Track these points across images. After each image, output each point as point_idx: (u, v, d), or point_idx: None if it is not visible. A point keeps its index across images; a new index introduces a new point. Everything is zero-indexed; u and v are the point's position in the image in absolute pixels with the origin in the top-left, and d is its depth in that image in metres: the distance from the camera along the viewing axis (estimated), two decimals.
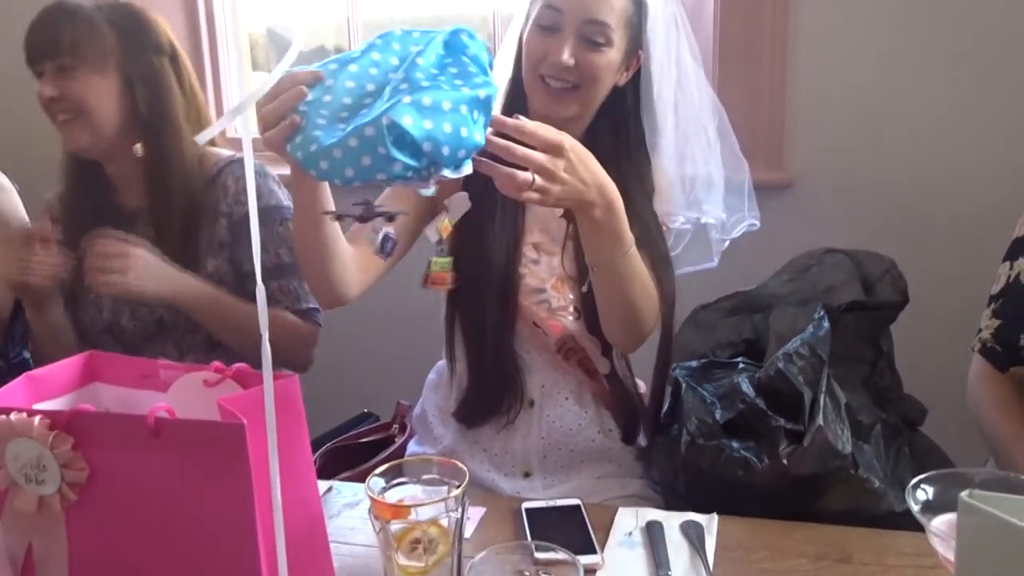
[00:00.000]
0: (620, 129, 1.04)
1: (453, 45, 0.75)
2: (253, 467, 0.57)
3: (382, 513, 0.65)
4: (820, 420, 0.88)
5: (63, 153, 1.19)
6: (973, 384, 1.06)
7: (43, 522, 0.62)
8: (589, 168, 0.83)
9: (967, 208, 1.56)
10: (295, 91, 0.72)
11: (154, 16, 1.18)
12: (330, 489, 0.92)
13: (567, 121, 0.97)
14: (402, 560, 0.65)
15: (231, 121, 0.47)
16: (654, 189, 1.05)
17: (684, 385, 1.01)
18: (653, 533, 0.81)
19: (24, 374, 0.68)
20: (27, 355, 1.32)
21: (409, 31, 0.77)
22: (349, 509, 0.89)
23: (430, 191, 0.73)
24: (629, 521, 0.84)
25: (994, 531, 0.51)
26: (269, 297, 1.31)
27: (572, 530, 0.82)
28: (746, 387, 0.95)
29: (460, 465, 0.69)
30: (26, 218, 1.30)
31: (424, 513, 0.65)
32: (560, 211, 1.04)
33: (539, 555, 0.63)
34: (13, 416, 0.61)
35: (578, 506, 0.86)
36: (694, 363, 1.07)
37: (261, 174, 1.19)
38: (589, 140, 0.88)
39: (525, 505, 0.87)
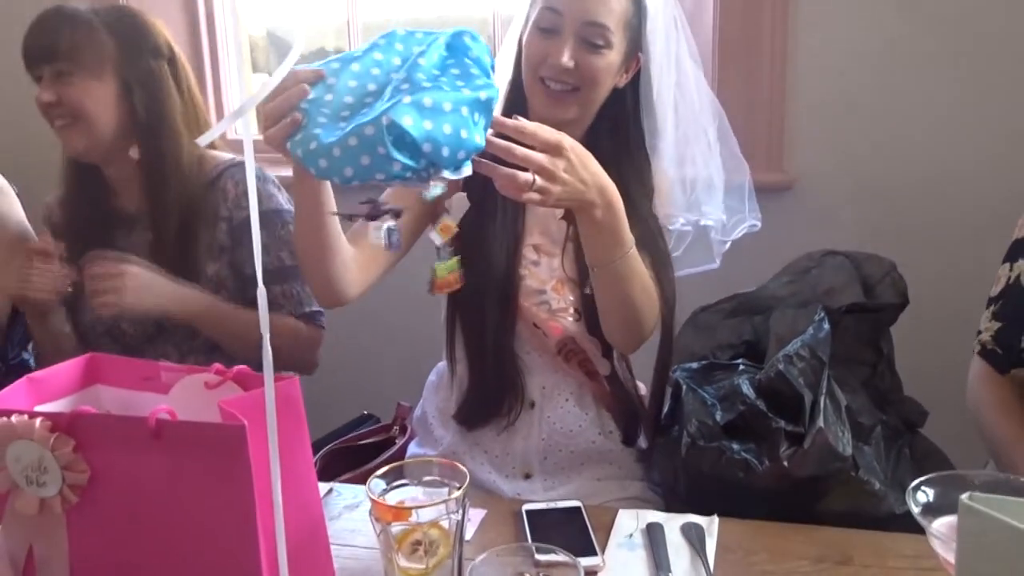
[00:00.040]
0: (620, 130, 1.04)
1: (456, 46, 0.75)
2: (254, 469, 0.57)
3: (383, 515, 0.65)
4: (820, 422, 0.88)
5: (63, 156, 1.19)
6: (973, 386, 1.06)
7: (44, 524, 0.62)
8: (589, 168, 0.83)
9: (967, 210, 1.56)
10: (297, 89, 0.72)
11: (152, 19, 1.18)
12: (331, 491, 0.92)
13: (567, 123, 0.97)
14: (403, 562, 0.65)
15: (232, 124, 0.47)
16: (654, 190, 1.05)
17: (684, 387, 1.01)
18: (654, 535, 0.81)
19: (25, 376, 0.68)
20: (26, 356, 1.32)
21: (412, 31, 0.77)
22: (350, 511, 0.89)
23: (439, 189, 0.73)
24: (630, 523, 0.84)
25: (995, 533, 0.51)
26: (272, 301, 1.32)
27: (573, 532, 0.82)
28: (746, 389, 0.95)
29: (461, 467, 0.69)
30: (25, 221, 1.30)
31: (425, 515, 0.65)
32: (560, 212, 1.04)
33: (540, 557, 0.63)
34: (14, 418, 0.61)
35: (578, 508, 0.86)
36: (694, 365, 1.07)
37: (261, 178, 1.18)
38: (589, 142, 0.88)
39: (526, 507, 0.87)
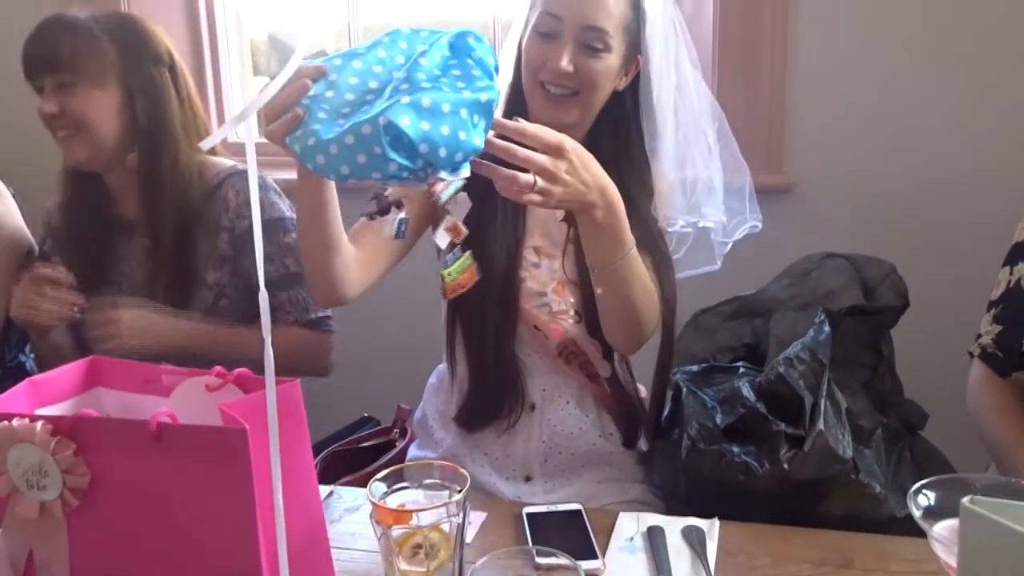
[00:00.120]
0: (620, 133, 1.04)
1: (459, 47, 0.74)
2: (255, 472, 0.57)
3: (383, 518, 0.65)
4: (821, 425, 0.88)
5: (63, 163, 1.19)
6: (973, 390, 1.06)
7: (44, 528, 0.62)
8: (590, 170, 0.83)
9: (967, 212, 1.56)
10: (299, 85, 0.72)
11: (153, 26, 1.18)
12: (331, 494, 0.92)
13: (567, 127, 0.97)
14: (403, 565, 0.65)
15: (234, 128, 0.47)
16: (653, 192, 1.06)
17: (685, 389, 1.01)
18: (654, 538, 0.81)
19: (26, 379, 0.68)
20: (23, 359, 1.32)
21: (417, 30, 0.77)
22: (350, 514, 0.89)
23: (452, 190, 0.73)
24: (630, 526, 0.84)
25: (996, 537, 0.51)
26: (278, 307, 1.32)
27: (573, 535, 0.82)
28: (747, 391, 0.95)
29: (461, 470, 0.69)
30: (23, 226, 1.30)
31: (425, 518, 0.65)
32: (561, 214, 1.04)
33: (540, 560, 0.63)
34: (15, 422, 0.61)
35: (579, 511, 0.86)
36: (694, 367, 1.07)
37: (262, 187, 1.18)
38: (590, 144, 0.88)
39: (526, 510, 0.87)
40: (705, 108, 1.08)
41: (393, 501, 0.68)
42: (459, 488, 0.67)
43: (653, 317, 0.97)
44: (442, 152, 0.69)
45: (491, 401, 1.05)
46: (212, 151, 1.23)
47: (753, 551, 0.80)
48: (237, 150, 1.27)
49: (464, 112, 0.70)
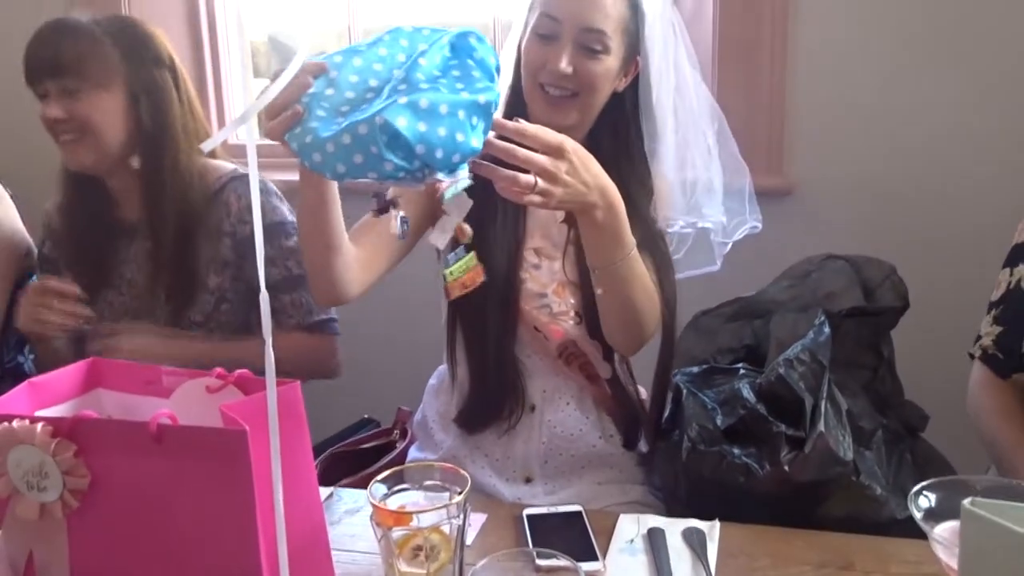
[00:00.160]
0: (620, 134, 1.04)
1: (460, 47, 0.74)
2: (255, 473, 0.57)
3: (384, 520, 0.65)
4: (821, 426, 0.87)
5: (61, 164, 1.19)
6: (974, 391, 1.06)
7: (45, 529, 0.62)
8: (591, 170, 0.83)
9: (967, 214, 1.56)
10: (300, 82, 0.72)
11: (153, 29, 1.18)
12: (331, 495, 0.92)
13: (567, 128, 0.97)
14: (404, 567, 0.65)
15: (235, 130, 0.47)
16: (653, 193, 1.06)
17: (685, 391, 1.01)
18: (655, 540, 0.81)
19: (26, 381, 0.68)
20: (21, 360, 1.32)
21: (419, 28, 0.77)
22: (350, 515, 0.89)
23: (456, 191, 0.73)
24: (631, 528, 0.84)
25: (997, 539, 0.51)
26: (281, 311, 1.32)
27: (573, 537, 0.82)
28: (747, 393, 0.95)
29: (462, 471, 0.69)
30: (21, 227, 1.30)
31: (426, 520, 0.65)
32: (561, 215, 1.04)
33: (541, 562, 0.63)
34: (15, 423, 0.61)
35: (579, 512, 0.86)
36: (695, 369, 1.07)
37: (263, 191, 1.19)
38: (590, 146, 0.88)
39: (526, 511, 0.87)
40: (704, 109, 1.08)
41: (393, 503, 0.68)
42: (459, 490, 0.67)
43: (654, 318, 0.97)
44: (438, 153, 0.70)
45: (491, 403, 1.05)
46: (212, 154, 1.23)
47: (754, 553, 0.80)
48: (237, 152, 1.28)
49: (462, 114, 0.70)
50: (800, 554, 0.80)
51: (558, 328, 1.03)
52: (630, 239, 0.90)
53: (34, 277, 1.30)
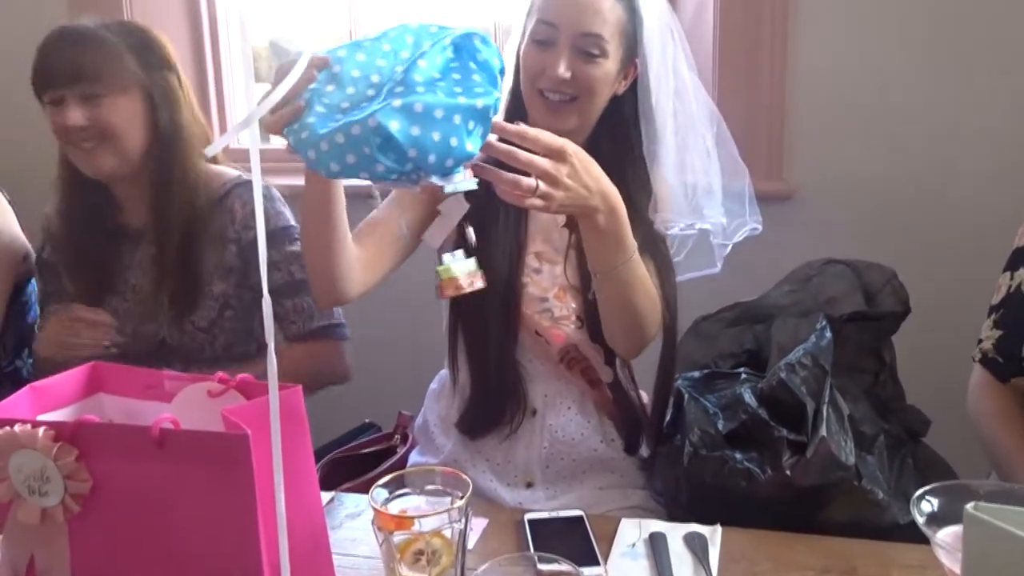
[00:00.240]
0: (620, 137, 1.04)
1: (464, 47, 0.74)
2: (257, 478, 0.57)
3: (385, 524, 0.65)
4: (823, 431, 0.87)
5: (60, 168, 1.18)
6: (974, 394, 1.06)
7: (46, 534, 0.62)
8: (592, 174, 0.83)
9: (968, 218, 1.56)
10: (303, 76, 0.72)
11: (158, 33, 1.18)
12: (332, 500, 0.92)
13: (567, 133, 0.97)
14: (405, 572, 0.65)
15: (237, 134, 0.47)
16: (651, 195, 1.06)
17: (686, 396, 1.01)
18: (656, 544, 0.81)
19: (28, 385, 0.68)
20: (19, 364, 1.32)
21: (426, 24, 0.76)
22: (351, 520, 0.89)
23: (468, 185, 0.74)
24: (632, 532, 0.84)
25: (1000, 543, 0.51)
26: (283, 316, 1.31)
27: (575, 541, 0.82)
28: (748, 397, 0.95)
29: (463, 476, 0.68)
30: (19, 231, 1.29)
31: (427, 524, 0.65)
32: (562, 220, 1.04)
33: (542, 567, 0.63)
34: (17, 427, 0.61)
35: (581, 517, 0.86)
36: (696, 374, 1.07)
37: (267, 197, 1.19)
38: (590, 149, 0.88)
39: (528, 516, 0.87)
40: (703, 111, 1.08)
41: (395, 507, 0.68)
42: (461, 494, 0.67)
43: (655, 321, 0.97)
44: (431, 158, 0.70)
45: (493, 407, 1.05)
46: (214, 160, 1.23)
47: (755, 557, 0.80)
48: (239, 157, 1.28)
49: (458, 118, 0.70)
50: (802, 559, 0.80)
51: (559, 332, 1.03)
52: (632, 243, 0.90)
53: (33, 281, 1.30)
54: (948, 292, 1.49)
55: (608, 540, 0.83)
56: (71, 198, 1.20)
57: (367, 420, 1.39)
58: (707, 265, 1.11)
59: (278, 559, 0.52)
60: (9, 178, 1.39)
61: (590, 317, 1.02)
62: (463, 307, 1.05)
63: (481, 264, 0.95)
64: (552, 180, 0.79)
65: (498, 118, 0.76)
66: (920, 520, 0.63)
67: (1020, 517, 0.52)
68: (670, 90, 1.04)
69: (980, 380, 1.06)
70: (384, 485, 0.69)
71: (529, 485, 1.07)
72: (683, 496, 0.98)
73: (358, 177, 0.71)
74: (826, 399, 0.90)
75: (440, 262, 0.88)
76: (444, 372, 1.16)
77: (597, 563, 0.78)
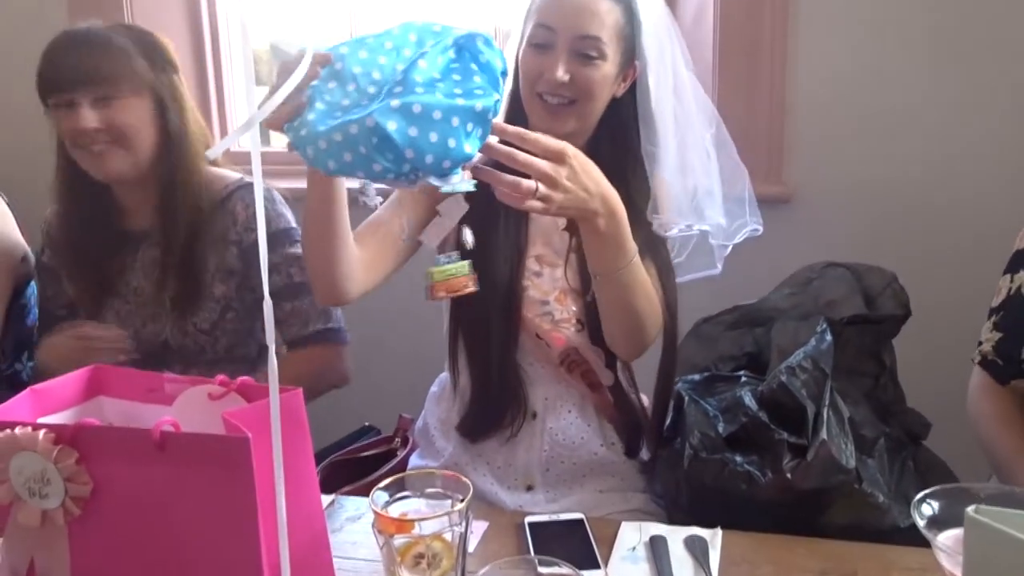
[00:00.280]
0: (620, 139, 1.04)
1: (466, 49, 0.74)
2: (257, 481, 0.57)
3: (386, 527, 0.65)
4: (824, 434, 0.87)
5: (58, 173, 1.18)
6: (973, 397, 1.06)
7: (46, 536, 0.62)
8: (592, 177, 0.83)
9: (968, 221, 1.56)
10: (307, 72, 0.72)
11: (160, 35, 1.19)
12: (333, 503, 0.92)
13: (567, 136, 0.97)
14: (406, 575, 0.65)
15: (239, 137, 0.47)
16: (650, 197, 1.05)
17: (687, 398, 1.01)
18: (657, 548, 0.81)
19: (28, 388, 0.68)
20: (19, 367, 1.32)
21: (430, 23, 0.76)
22: (352, 523, 0.89)
23: (466, 187, 0.74)
24: (633, 535, 0.84)
25: (1001, 546, 0.51)
26: (282, 320, 1.31)
27: (575, 544, 0.82)
28: (749, 400, 0.95)
29: (463, 479, 0.68)
30: (17, 234, 1.29)
31: (428, 527, 0.65)
32: (563, 223, 1.04)
33: (542, 570, 0.63)
34: (18, 430, 0.61)
35: (581, 520, 0.86)
36: (696, 376, 1.07)
37: (269, 199, 1.19)
38: (591, 152, 0.88)
39: (528, 519, 0.87)
40: (702, 112, 1.08)
41: (395, 510, 0.68)
42: (461, 497, 0.67)
43: (655, 324, 0.97)
44: (428, 159, 0.70)
45: (493, 410, 1.05)
46: (214, 162, 1.23)
47: (756, 561, 0.80)
48: (239, 160, 1.28)
49: (456, 120, 0.70)
50: (802, 562, 0.80)
51: (560, 335, 1.03)
52: (632, 246, 0.90)
53: (32, 284, 1.30)
54: (948, 295, 1.49)
55: (608, 543, 0.83)
56: (71, 202, 1.20)
57: (367, 423, 1.39)
58: (707, 266, 1.11)
59: (279, 562, 0.52)
60: (8, 181, 1.39)
61: (591, 320, 1.02)
62: (464, 310, 1.05)
63: (481, 267, 0.95)
64: (551, 182, 0.79)
65: (498, 121, 0.76)
66: (921, 523, 0.63)
67: (1021, 520, 0.52)
68: (669, 91, 1.04)
69: (980, 382, 1.06)
70: (384, 488, 0.69)
71: (529, 488, 1.06)
72: (683, 499, 0.98)
73: (356, 176, 0.71)
74: (826, 402, 0.90)
75: (435, 261, 0.87)
76: (444, 375, 1.16)
77: (597, 566, 0.78)
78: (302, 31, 2.00)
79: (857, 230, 1.59)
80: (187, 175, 1.15)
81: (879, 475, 0.92)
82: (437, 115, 0.69)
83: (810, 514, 0.89)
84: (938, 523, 0.63)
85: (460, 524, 0.65)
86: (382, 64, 0.74)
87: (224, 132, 1.95)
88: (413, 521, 0.65)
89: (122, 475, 0.60)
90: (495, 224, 1.02)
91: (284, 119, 0.73)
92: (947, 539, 0.61)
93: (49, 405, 0.69)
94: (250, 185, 1.20)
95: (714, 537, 0.83)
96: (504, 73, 0.76)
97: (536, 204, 0.79)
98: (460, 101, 0.71)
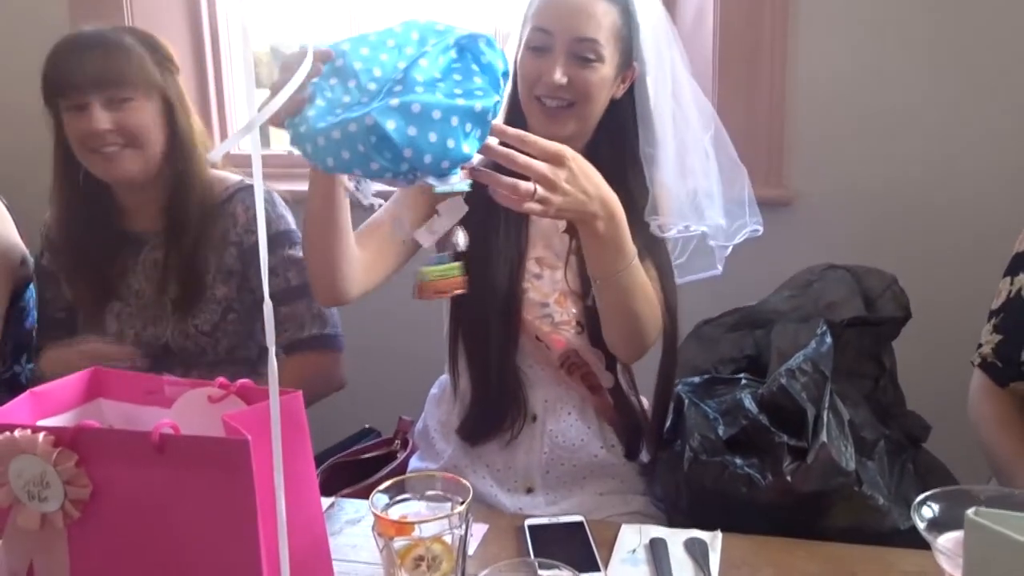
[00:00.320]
0: (619, 141, 1.04)
1: (468, 49, 0.74)
2: (257, 483, 0.57)
3: (385, 530, 0.65)
4: (824, 436, 0.87)
5: (57, 176, 1.18)
6: (974, 399, 1.06)
7: (45, 539, 0.62)
8: (591, 179, 0.83)
9: (968, 223, 1.56)
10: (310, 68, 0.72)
11: (161, 38, 1.19)
12: (332, 505, 0.92)
13: (566, 139, 0.97)
14: None
15: (240, 140, 0.47)
16: (649, 198, 1.05)
17: (687, 401, 1.01)
18: (657, 550, 0.81)
19: (28, 391, 0.68)
20: (18, 370, 1.32)
21: (433, 22, 0.76)
22: (351, 526, 0.88)
23: (461, 187, 0.74)
24: (633, 538, 0.84)
25: (1001, 549, 0.51)
26: (278, 323, 1.30)
27: (575, 547, 0.82)
28: (749, 403, 0.95)
29: (463, 481, 0.68)
30: (16, 237, 1.29)
31: (428, 530, 0.64)
32: (563, 225, 1.04)
33: (543, 572, 0.63)
34: (17, 433, 0.61)
35: (581, 523, 0.86)
36: (696, 379, 1.07)
37: (269, 201, 1.19)
38: (590, 155, 0.88)
39: (528, 522, 0.86)
40: (701, 112, 1.08)
41: (395, 513, 0.68)
42: (461, 499, 0.67)
43: (655, 326, 0.97)
44: (427, 159, 0.70)
45: (493, 413, 1.05)
46: (213, 165, 1.23)
47: (756, 563, 0.80)
48: (240, 162, 1.28)
49: (455, 120, 0.70)
50: (802, 564, 0.80)
51: (560, 338, 1.03)
52: (631, 249, 0.90)
53: (31, 287, 1.30)
54: (948, 297, 1.49)
55: (608, 546, 0.83)
56: (70, 204, 1.20)
57: (367, 425, 1.39)
58: (708, 267, 1.11)
59: (278, 565, 0.52)
60: (6, 183, 1.39)
61: (590, 322, 1.02)
62: (464, 312, 1.05)
63: (480, 269, 0.95)
64: (550, 184, 0.79)
65: (498, 123, 0.76)
66: (921, 526, 0.63)
67: (1021, 522, 0.52)
68: (668, 92, 1.04)
69: (980, 385, 1.06)
70: (384, 490, 0.69)
71: (529, 491, 1.06)
72: (683, 502, 0.98)
73: (352, 173, 0.71)
74: (826, 404, 0.90)
75: (427, 261, 0.87)
76: (444, 377, 1.16)
77: (597, 569, 0.78)
78: (302, 33, 2.00)
79: (857, 232, 1.59)
80: (194, 176, 1.16)
81: (879, 477, 0.92)
82: (436, 115, 0.69)
83: (810, 517, 0.89)
84: (938, 525, 0.63)
85: (460, 527, 0.65)
86: (383, 61, 0.74)
87: (224, 135, 1.95)
88: (413, 524, 0.65)
89: (122, 478, 0.60)
90: (495, 226, 1.02)
91: (285, 115, 0.73)
92: (947, 541, 0.61)
93: (48, 408, 0.69)
94: (251, 187, 1.20)
95: (714, 540, 0.83)
96: (505, 74, 0.76)
97: (534, 206, 0.79)
98: (460, 101, 0.71)
